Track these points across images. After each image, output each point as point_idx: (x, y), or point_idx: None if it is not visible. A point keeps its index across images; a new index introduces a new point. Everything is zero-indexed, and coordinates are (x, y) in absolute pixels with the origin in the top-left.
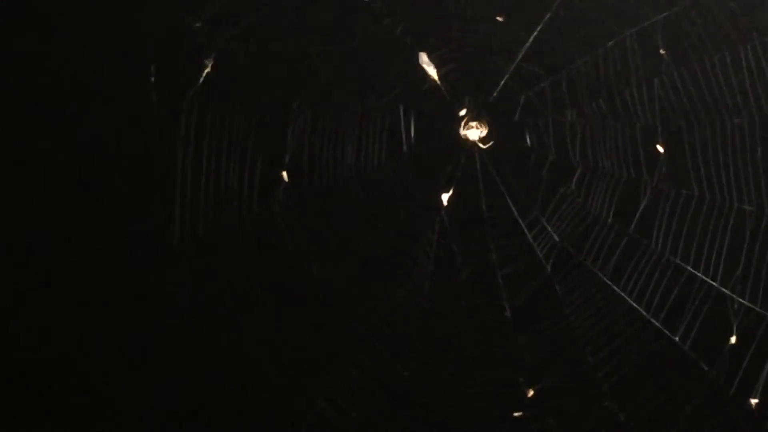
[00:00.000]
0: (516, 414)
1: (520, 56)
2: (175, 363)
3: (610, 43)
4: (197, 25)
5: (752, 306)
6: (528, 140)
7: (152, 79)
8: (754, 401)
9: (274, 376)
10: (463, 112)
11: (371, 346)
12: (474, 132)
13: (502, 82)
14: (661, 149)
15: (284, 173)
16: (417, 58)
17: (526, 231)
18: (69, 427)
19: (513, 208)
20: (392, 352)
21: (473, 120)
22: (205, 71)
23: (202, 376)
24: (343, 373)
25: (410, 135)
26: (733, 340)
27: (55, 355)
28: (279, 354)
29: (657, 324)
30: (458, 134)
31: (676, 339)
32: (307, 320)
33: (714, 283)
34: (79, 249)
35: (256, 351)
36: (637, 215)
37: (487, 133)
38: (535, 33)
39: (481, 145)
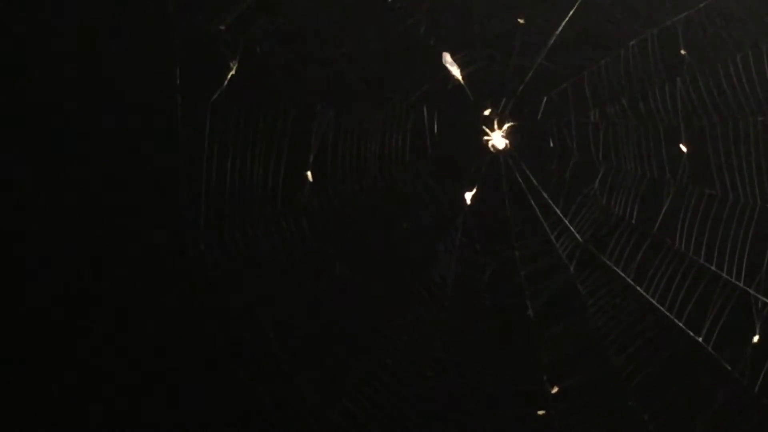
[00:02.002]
0: (540, 412)
1: (542, 56)
2: (197, 364)
3: (632, 43)
4: (222, 27)
5: None
6: (551, 141)
7: (177, 81)
8: None
9: (296, 376)
10: (487, 112)
11: (394, 346)
12: (499, 139)
13: (525, 82)
14: (684, 149)
15: (309, 173)
16: (440, 58)
17: (548, 231)
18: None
19: (536, 208)
20: (415, 352)
21: (495, 125)
22: (230, 73)
23: (225, 375)
24: (366, 372)
25: (434, 135)
26: (756, 339)
27: (74, 357)
28: (301, 353)
29: (680, 324)
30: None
31: (700, 339)
32: (330, 319)
33: (737, 283)
34: (102, 253)
35: (278, 350)
36: (661, 215)
37: (509, 141)
38: (557, 33)
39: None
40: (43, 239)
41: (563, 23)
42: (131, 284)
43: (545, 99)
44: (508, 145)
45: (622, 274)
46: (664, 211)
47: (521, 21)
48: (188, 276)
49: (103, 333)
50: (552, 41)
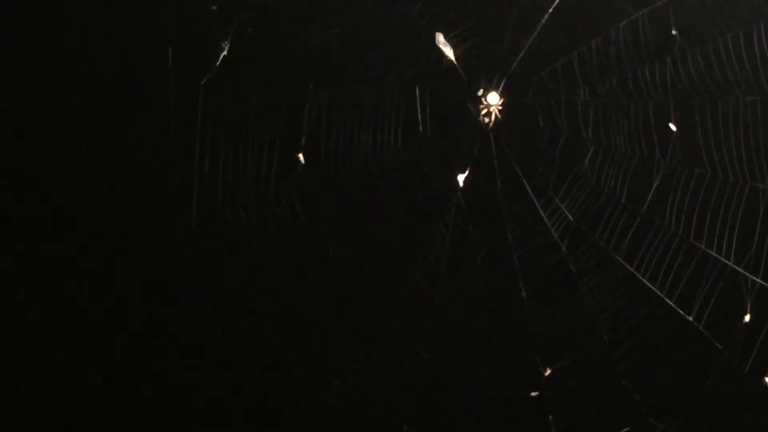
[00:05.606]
0: (533, 394)
1: (534, 36)
2: (188, 347)
3: (623, 23)
4: (213, 8)
5: (766, 284)
6: (541, 120)
7: (169, 62)
8: None
9: (290, 357)
10: (480, 92)
11: (388, 328)
12: (493, 96)
13: (517, 61)
14: (673, 128)
15: (301, 155)
16: (434, 38)
17: (540, 211)
18: (74, 426)
19: (528, 188)
20: (409, 334)
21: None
22: (222, 54)
23: (216, 358)
24: (360, 354)
25: (426, 116)
26: (747, 318)
27: (66, 346)
28: (295, 335)
29: (671, 303)
30: (476, 110)
31: (690, 318)
32: (323, 302)
33: (728, 262)
34: (92, 235)
35: (272, 332)
36: (651, 194)
37: (504, 102)
38: (549, 12)
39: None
40: (35, 224)
41: (556, 2)
42: (122, 266)
43: (537, 78)
44: (502, 103)
45: (613, 254)
46: (653, 189)
47: None
48: (180, 258)
49: (91, 318)
50: (544, 20)
